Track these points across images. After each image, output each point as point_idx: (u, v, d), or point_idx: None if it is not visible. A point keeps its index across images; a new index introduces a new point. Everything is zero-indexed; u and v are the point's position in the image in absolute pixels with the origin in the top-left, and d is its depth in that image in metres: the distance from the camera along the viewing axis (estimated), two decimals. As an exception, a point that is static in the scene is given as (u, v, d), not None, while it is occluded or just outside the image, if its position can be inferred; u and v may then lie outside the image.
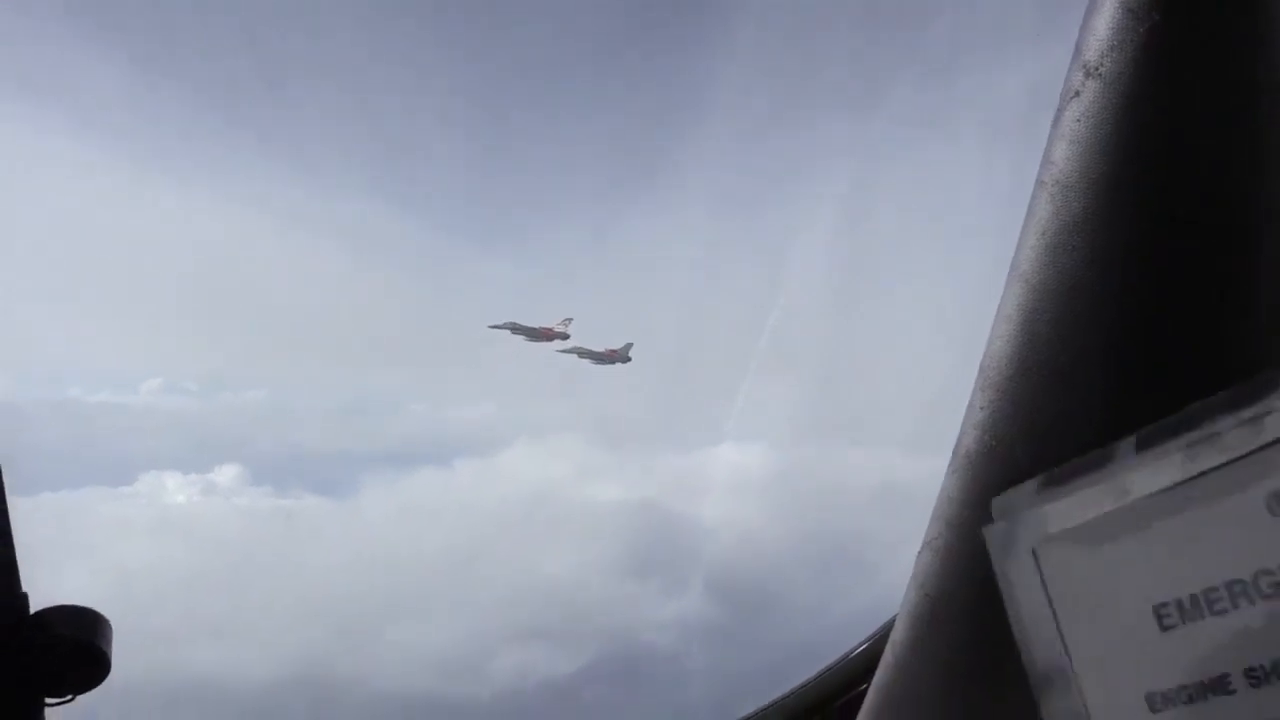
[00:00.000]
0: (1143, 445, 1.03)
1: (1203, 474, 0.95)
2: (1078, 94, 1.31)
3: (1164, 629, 0.95)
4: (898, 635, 1.59)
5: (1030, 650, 1.09)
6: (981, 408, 1.42)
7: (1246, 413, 0.94)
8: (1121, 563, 1.00)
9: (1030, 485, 1.12)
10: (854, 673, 2.32)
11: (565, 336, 65.58)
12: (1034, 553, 1.08)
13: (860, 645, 2.36)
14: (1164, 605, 0.95)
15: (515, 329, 65.89)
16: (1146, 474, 1.00)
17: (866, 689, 1.70)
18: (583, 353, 66.88)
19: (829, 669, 2.43)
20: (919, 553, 1.53)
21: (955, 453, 1.47)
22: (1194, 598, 0.93)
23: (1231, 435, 0.95)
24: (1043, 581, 1.07)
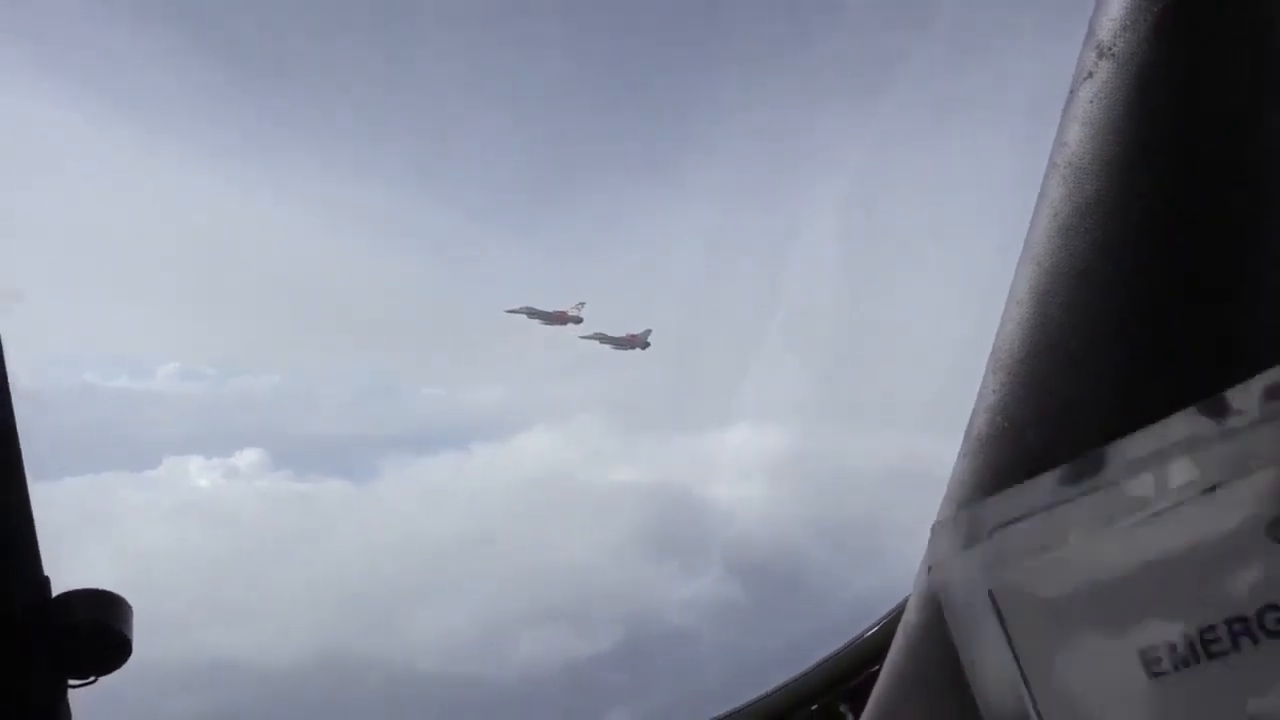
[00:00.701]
0: (1112, 459, 0.92)
1: (1189, 498, 0.85)
2: (1091, 75, 1.30)
3: (1153, 675, 0.84)
4: (910, 617, 1.59)
5: (990, 709, 0.96)
6: (994, 390, 1.42)
7: (1242, 420, 0.86)
8: (1094, 602, 0.88)
9: (981, 508, 1.01)
10: (867, 654, 2.33)
11: (579, 320, 66.86)
12: (990, 592, 0.97)
13: (873, 627, 2.37)
14: (1152, 648, 0.84)
15: (531, 313, 67.28)
16: (1119, 495, 0.89)
17: (879, 670, 1.71)
18: (603, 338, 68.11)
19: (843, 650, 2.45)
20: (931, 535, 1.54)
21: (967, 435, 1.48)
22: (1188, 639, 0.82)
23: (1224, 448, 0.85)
24: (1004, 629, 0.95)
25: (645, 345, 68.40)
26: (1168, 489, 0.86)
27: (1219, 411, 0.88)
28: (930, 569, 1.04)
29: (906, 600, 1.62)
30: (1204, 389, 1.16)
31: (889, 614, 2.26)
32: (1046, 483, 0.96)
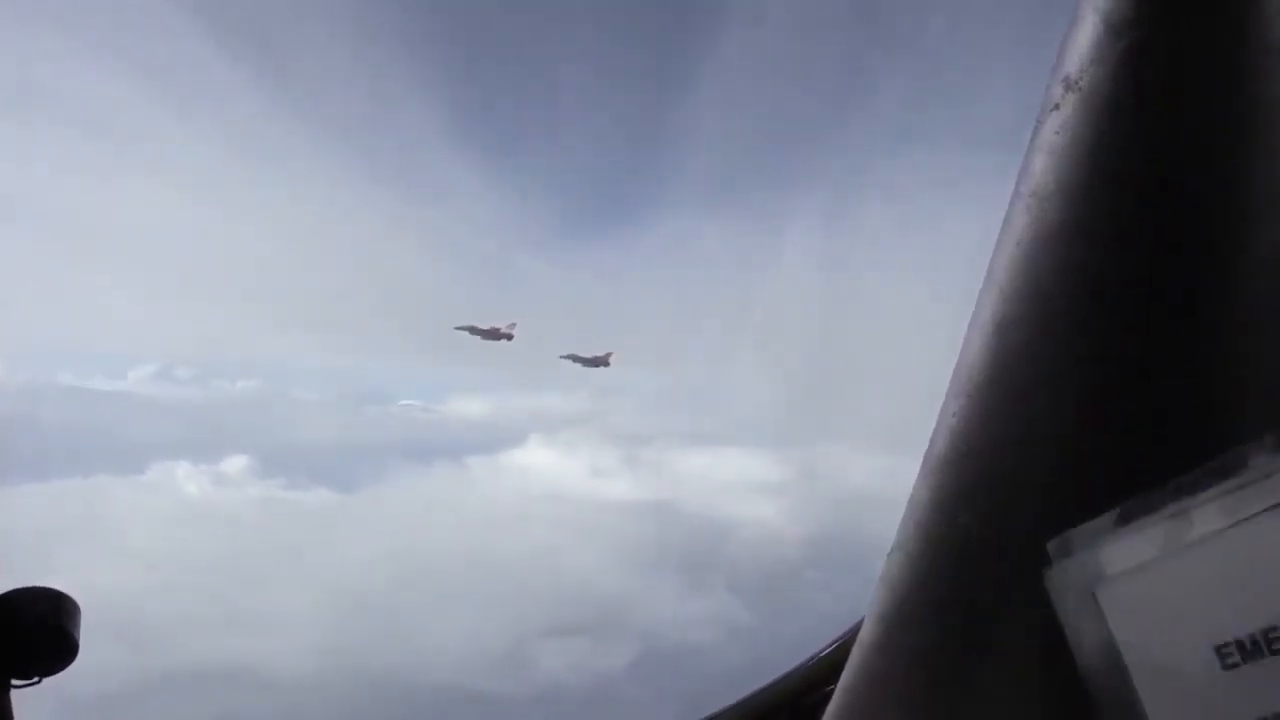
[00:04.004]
0: (1198, 486, 1.04)
1: (1257, 514, 0.97)
2: (1057, 107, 1.32)
3: (1226, 667, 0.98)
4: (866, 636, 1.60)
5: (1097, 688, 1.11)
6: (954, 414, 1.43)
7: None
8: (1182, 603, 1.02)
9: (1088, 527, 1.14)
10: (821, 673, 2.33)
11: (510, 337, 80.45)
12: (1094, 594, 1.11)
13: (828, 646, 2.37)
14: (1225, 645, 0.98)
15: (473, 330, 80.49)
16: (1203, 514, 1.02)
17: (833, 689, 1.72)
18: (575, 358, 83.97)
19: (797, 668, 2.44)
20: (889, 554, 1.54)
21: (927, 457, 1.49)
22: (1254, 637, 0.96)
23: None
24: (1105, 622, 1.09)
25: (607, 364, 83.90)
26: (1237, 510, 1.00)
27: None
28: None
29: (862, 620, 1.63)
30: (1163, 416, 1.18)
31: (845, 633, 2.26)
32: (1138, 504, 1.10)
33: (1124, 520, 1.11)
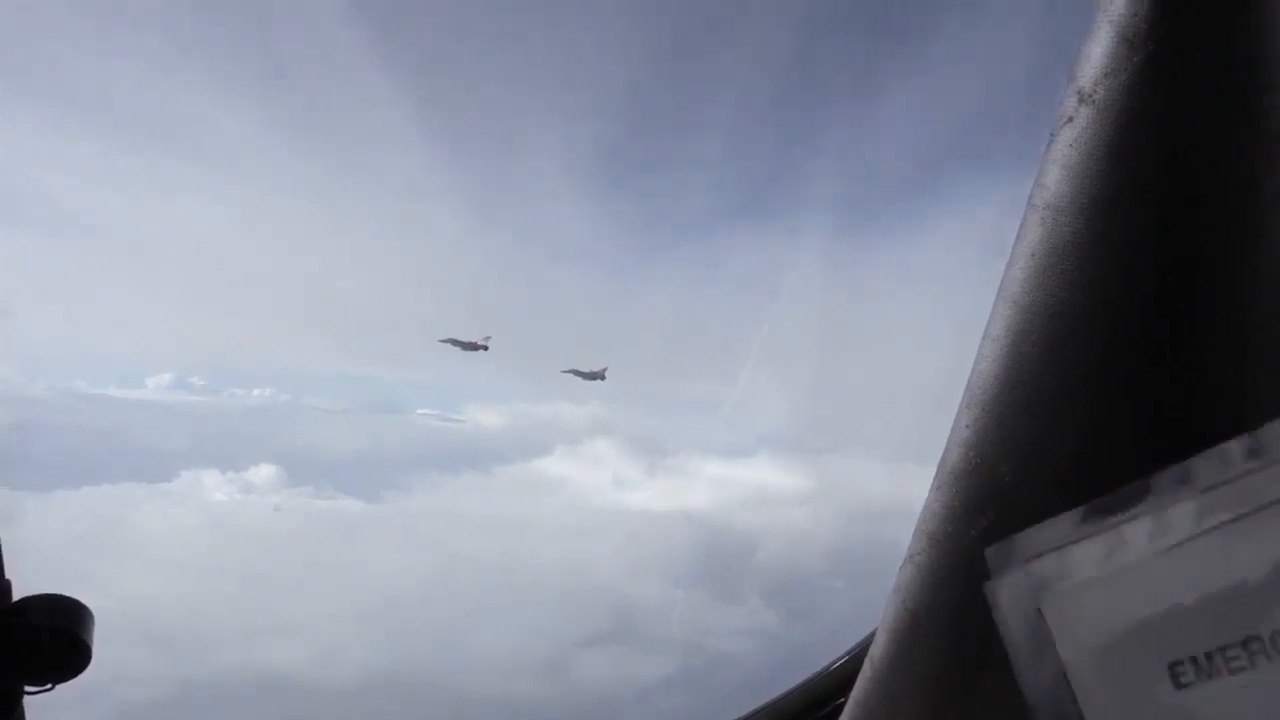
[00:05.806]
0: (1149, 494, 1.01)
1: (1216, 527, 0.94)
2: (1071, 120, 1.32)
3: (1179, 686, 0.94)
4: (877, 649, 1.59)
5: (1039, 710, 1.07)
6: (967, 426, 1.43)
7: (1260, 463, 0.94)
8: (1132, 619, 0.98)
9: (1029, 535, 1.09)
10: (833, 686, 2.31)
11: (486, 348, 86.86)
12: (1039, 610, 1.07)
13: (840, 659, 2.35)
14: (1179, 663, 0.95)
15: (454, 343, 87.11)
16: (1156, 526, 0.99)
17: (845, 702, 1.71)
18: (575, 372, 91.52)
19: (809, 682, 2.43)
20: (901, 566, 1.54)
21: (940, 469, 1.48)
22: (1209, 655, 0.93)
23: (1246, 485, 0.94)
24: (1051, 638, 1.05)
25: (603, 378, 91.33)
26: (1196, 521, 0.97)
27: (1251, 447, 0.96)
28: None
29: (874, 633, 1.62)
30: (1175, 430, 1.17)
31: (856, 646, 2.25)
32: (1087, 512, 1.06)
33: (1071, 529, 1.06)
